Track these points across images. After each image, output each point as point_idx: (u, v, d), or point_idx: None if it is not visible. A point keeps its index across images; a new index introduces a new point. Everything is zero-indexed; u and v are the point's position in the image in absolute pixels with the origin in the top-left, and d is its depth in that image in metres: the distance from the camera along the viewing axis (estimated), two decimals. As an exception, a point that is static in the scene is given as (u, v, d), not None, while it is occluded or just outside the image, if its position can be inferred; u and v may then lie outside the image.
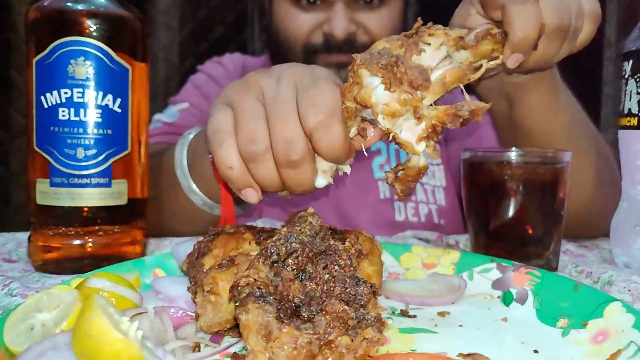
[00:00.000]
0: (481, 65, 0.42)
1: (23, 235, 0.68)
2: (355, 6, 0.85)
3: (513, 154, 0.56)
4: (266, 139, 0.42)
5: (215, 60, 1.04)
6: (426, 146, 0.43)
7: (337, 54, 0.84)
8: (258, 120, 0.42)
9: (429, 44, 0.41)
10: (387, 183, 0.46)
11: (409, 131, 0.42)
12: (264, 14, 0.99)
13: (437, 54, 0.41)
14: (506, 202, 0.57)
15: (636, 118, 0.56)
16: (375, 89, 0.40)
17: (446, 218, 0.94)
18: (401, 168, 0.45)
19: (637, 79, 0.55)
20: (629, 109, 0.56)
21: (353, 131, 0.44)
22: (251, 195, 0.45)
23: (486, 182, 0.57)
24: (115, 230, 0.54)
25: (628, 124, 0.57)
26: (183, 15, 1.21)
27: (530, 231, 0.58)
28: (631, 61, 0.56)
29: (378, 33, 0.85)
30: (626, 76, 0.57)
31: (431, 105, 0.42)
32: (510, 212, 0.57)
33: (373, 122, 0.44)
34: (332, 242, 0.36)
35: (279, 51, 0.90)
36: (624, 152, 0.59)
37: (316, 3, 0.85)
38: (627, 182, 0.59)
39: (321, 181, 0.46)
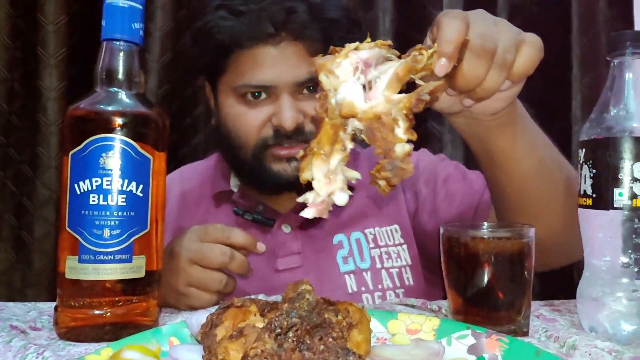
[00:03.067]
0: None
1: (43, 305, 0.72)
2: (299, 96, 0.85)
3: (485, 231, 0.61)
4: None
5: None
6: (409, 131, 0.45)
7: (287, 146, 0.85)
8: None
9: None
10: (373, 181, 0.47)
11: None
12: (210, 115, 0.98)
13: (373, 51, 0.46)
14: (480, 272, 0.62)
15: (590, 199, 0.61)
16: (354, 101, 0.45)
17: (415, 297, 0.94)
18: (385, 164, 0.46)
19: (590, 165, 0.62)
20: (584, 191, 0.62)
21: (335, 161, 0.46)
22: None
23: (462, 254, 0.62)
24: (133, 300, 0.58)
25: (584, 204, 0.62)
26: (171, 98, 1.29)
27: (502, 297, 0.62)
28: (584, 149, 0.63)
29: None
30: (580, 162, 0.63)
31: (399, 100, 0.45)
32: (484, 280, 0.62)
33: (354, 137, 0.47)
34: (326, 316, 0.40)
35: (230, 151, 0.90)
36: (583, 227, 0.64)
37: (261, 97, 0.85)
38: (588, 254, 0.64)
39: (342, 198, 0.47)
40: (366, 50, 0.46)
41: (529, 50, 0.55)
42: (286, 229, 0.94)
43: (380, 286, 0.92)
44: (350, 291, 0.91)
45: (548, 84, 1.35)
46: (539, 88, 1.36)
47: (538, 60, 0.56)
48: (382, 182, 0.46)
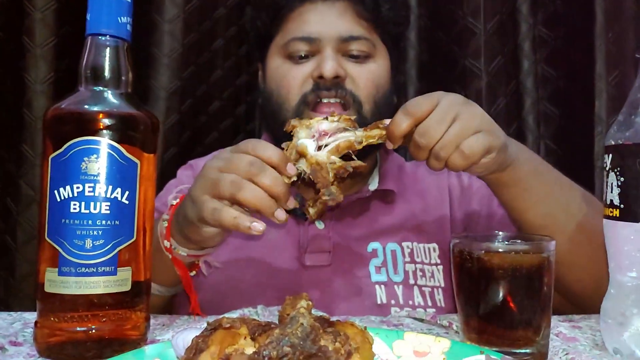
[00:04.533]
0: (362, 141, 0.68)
1: (29, 315, 0.70)
2: (343, 57, 0.91)
3: (500, 244, 0.59)
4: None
5: (188, 164, 1.07)
6: (336, 185, 0.67)
7: (326, 102, 0.89)
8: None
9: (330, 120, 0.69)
10: (304, 212, 0.69)
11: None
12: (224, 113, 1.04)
13: (332, 125, 0.68)
14: (495, 288, 0.60)
15: (618, 209, 0.59)
16: (307, 147, 0.67)
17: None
18: (316, 198, 0.67)
19: (617, 172, 0.59)
20: (611, 200, 0.60)
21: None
22: (258, 225, 0.64)
23: (475, 269, 0.60)
24: (119, 315, 0.57)
25: (611, 215, 0.60)
26: (183, 95, 1.27)
27: (519, 316, 0.60)
28: (611, 155, 0.60)
29: (364, 84, 0.91)
30: (607, 168, 0.61)
31: (334, 161, 0.67)
32: (499, 297, 0.60)
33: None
34: (323, 343, 0.38)
35: (272, 116, 0.94)
36: (609, 240, 0.62)
37: (308, 57, 0.91)
38: (613, 269, 0.62)
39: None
40: (327, 123, 0.68)
41: (456, 155, 0.66)
42: (320, 225, 0.95)
43: (410, 302, 0.91)
44: (379, 302, 0.90)
45: (571, 83, 1.32)
46: (562, 87, 1.33)
47: (466, 162, 0.67)
48: (312, 210, 0.68)
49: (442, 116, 0.66)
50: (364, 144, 0.68)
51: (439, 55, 1.35)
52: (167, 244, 0.74)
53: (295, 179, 0.66)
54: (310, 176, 0.65)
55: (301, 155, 0.66)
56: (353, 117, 0.69)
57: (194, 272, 0.78)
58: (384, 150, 1.03)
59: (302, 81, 0.90)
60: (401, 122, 0.66)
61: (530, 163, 0.79)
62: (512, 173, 0.75)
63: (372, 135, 0.68)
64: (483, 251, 0.59)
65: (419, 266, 0.94)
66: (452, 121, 0.66)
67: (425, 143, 0.66)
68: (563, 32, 1.34)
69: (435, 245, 0.96)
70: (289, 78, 0.91)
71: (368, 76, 0.91)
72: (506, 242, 0.60)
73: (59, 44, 1.19)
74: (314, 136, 0.67)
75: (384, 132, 0.68)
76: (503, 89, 1.32)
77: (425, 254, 0.95)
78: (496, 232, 0.66)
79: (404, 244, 0.95)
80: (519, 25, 1.33)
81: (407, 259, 0.94)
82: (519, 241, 0.62)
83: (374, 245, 0.95)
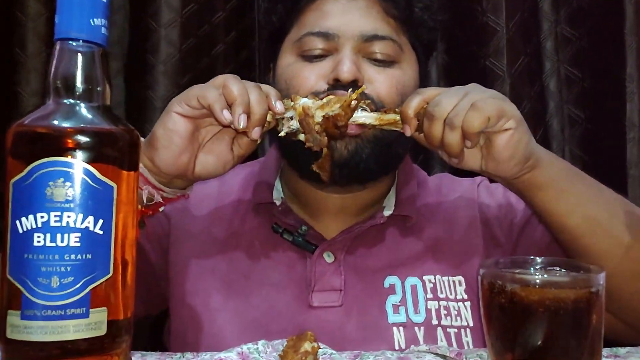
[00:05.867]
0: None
1: None
2: (363, 59, 0.79)
3: (539, 277, 0.50)
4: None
5: None
6: (325, 137, 0.68)
7: None
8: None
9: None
10: (315, 169, 0.70)
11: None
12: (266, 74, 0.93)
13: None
14: (533, 327, 0.50)
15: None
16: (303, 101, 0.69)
17: None
18: (319, 164, 0.70)
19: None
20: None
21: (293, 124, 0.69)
22: (228, 113, 0.65)
23: (509, 305, 0.51)
24: (94, 362, 0.48)
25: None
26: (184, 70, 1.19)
27: (564, 359, 0.51)
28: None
29: (386, 91, 0.78)
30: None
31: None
32: (539, 338, 0.50)
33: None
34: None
35: None
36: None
37: (323, 57, 0.79)
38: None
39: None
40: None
41: (470, 113, 0.62)
42: (329, 258, 0.82)
43: (434, 344, 0.77)
44: (397, 347, 0.77)
45: (598, 85, 1.22)
46: (588, 89, 1.23)
47: (480, 119, 0.62)
48: (322, 174, 0.70)
49: (454, 91, 0.66)
50: (377, 126, 0.70)
51: (459, 55, 1.25)
52: None
53: (286, 131, 0.69)
54: (300, 126, 0.67)
55: (294, 99, 0.69)
56: (368, 102, 0.71)
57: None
58: (404, 171, 0.90)
59: (315, 80, 0.78)
60: (412, 100, 0.67)
61: (560, 163, 0.74)
62: (543, 172, 0.69)
63: (387, 118, 0.69)
64: (518, 285, 0.50)
65: (442, 303, 0.80)
66: (464, 96, 0.65)
67: (439, 112, 0.64)
68: (588, 30, 1.24)
69: (461, 278, 0.83)
70: (301, 78, 0.79)
71: (392, 81, 0.78)
72: (545, 274, 0.50)
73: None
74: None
75: (398, 117, 0.69)
76: (527, 92, 1.22)
77: (450, 288, 0.82)
78: (532, 257, 0.56)
79: (426, 277, 0.82)
80: (540, 23, 1.23)
81: (430, 295, 0.81)
82: (560, 269, 0.53)
83: (391, 279, 0.82)
